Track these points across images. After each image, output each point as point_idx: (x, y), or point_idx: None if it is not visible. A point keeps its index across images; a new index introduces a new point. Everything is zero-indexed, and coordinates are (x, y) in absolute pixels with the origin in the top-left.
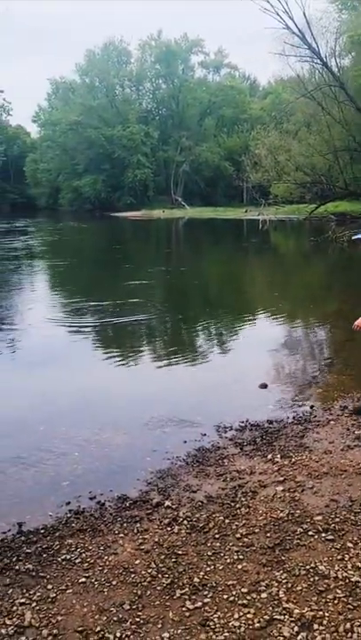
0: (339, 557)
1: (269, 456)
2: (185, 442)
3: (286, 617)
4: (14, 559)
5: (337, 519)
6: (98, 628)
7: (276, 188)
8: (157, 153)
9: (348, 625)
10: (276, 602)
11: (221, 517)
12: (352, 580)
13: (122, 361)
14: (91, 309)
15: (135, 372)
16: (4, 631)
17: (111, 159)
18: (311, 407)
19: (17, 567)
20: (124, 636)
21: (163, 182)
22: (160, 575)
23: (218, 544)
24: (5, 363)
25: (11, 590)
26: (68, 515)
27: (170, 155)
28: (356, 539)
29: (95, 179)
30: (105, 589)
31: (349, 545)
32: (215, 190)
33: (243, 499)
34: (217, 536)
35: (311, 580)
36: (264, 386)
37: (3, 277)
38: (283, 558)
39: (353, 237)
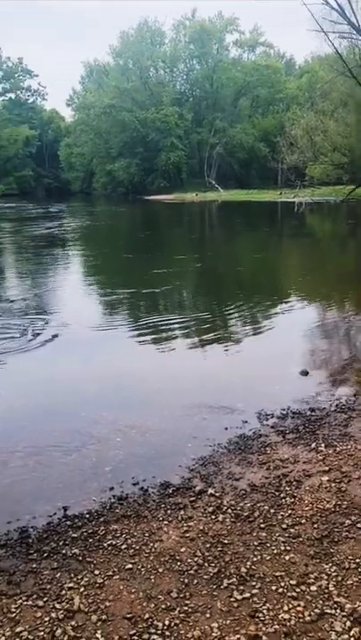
0: None
1: (313, 445)
2: (226, 429)
3: (338, 611)
4: (61, 543)
5: None
6: (146, 616)
7: (312, 170)
8: (191, 135)
9: None
10: (326, 595)
11: (266, 507)
12: None
13: (159, 347)
14: (126, 296)
15: (173, 359)
16: (54, 615)
17: (145, 142)
18: (355, 395)
19: (64, 551)
20: (172, 624)
21: (196, 165)
22: (206, 564)
23: (264, 534)
24: (46, 350)
25: (59, 574)
26: (112, 500)
27: (203, 137)
28: None
29: (129, 162)
30: (152, 576)
31: None
32: (249, 172)
33: (287, 488)
34: (262, 526)
35: None
36: (305, 373)
37: (37, 264)
38: (331, 550)
39: None
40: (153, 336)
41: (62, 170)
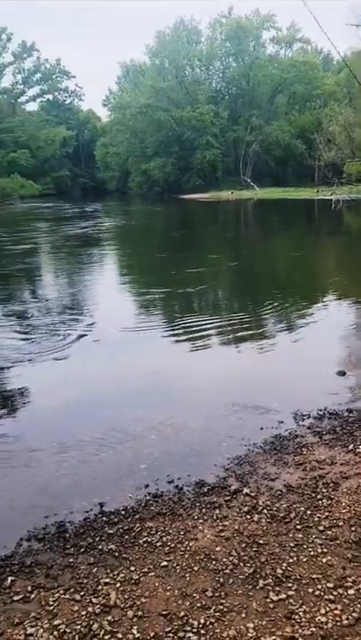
0: None
1: (351, 446)
2: (261, 428)
3: None
4: (97, 539)
5: None
6: (182, 613)
7: (350, 167)
8: (227, 133)
9: None
10: None
11: (302, 508)
12: None
13: (194, 347)
14: (160, 295)
15: (208, 359)
16: (91, 609)
17: (180, 141)
18: None
19: (100, 547)
20: (207, 623)
21: (232, 163)
22: (242, 564)
23: (300, 535)
24: (82, 349)
25: (95, 569)
26: (148, 497)
27: (239, 135)
28: None
29: (164, 161)
30: (187, 575)
31: None
32: (285, 170)
33: (324, 490)
34: (299, 527)
35: None
36: (342, 373)
37: (72, 263)
38: None
39: None
40: (188, 336)
41: (98, 169)
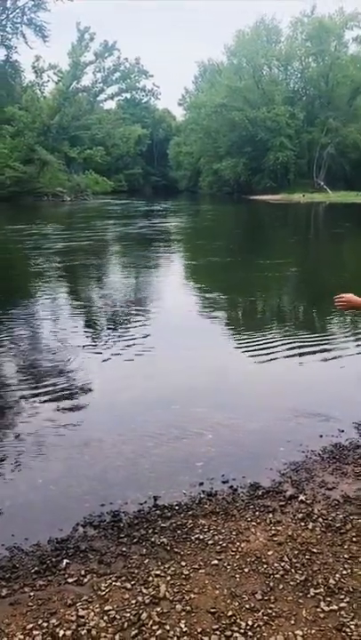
0: None
1: None
2: (321, 436)
3: None
4: (150, 531)
5: None
6: (230, 613)
7: None
8: (301, 135)
9: None
10: None
11: (360, 520)
12: None
13: (256, 352)
14: (218, 300)
15: (271, 364)
16: (140, 599)
17: (253, 141)
18: None
19: (153, 539)
20: (255, 625)
21: (305, 165)
22: (293, 570)
23: (355, 548)
24: (143, 346)
25: (147, 561)
26: (202, 495)
27: (314, 136)
28: None
29: (236, 161)
30: (237, 575)
31: None
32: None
33: None
34: (355, 539)
35: None
36: None
37: (136, 262)
38: None
39: None
40: (248, 342)
41: (170, 168)
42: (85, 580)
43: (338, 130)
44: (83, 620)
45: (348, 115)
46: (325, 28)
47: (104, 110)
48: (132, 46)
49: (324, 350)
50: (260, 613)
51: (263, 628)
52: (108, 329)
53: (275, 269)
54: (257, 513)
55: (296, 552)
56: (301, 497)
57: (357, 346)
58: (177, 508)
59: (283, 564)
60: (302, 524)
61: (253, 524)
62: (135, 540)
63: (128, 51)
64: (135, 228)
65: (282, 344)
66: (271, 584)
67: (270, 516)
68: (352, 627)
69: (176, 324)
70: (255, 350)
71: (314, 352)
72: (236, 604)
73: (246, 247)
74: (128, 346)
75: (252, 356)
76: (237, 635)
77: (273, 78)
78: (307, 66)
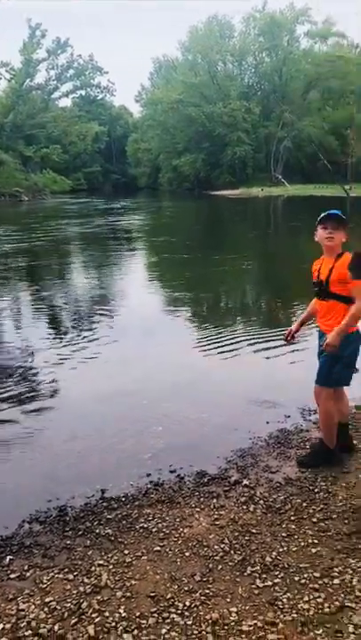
0: None
1: (355, 442)
2: (267, 422)
3: (359, 605)
4: (95, 523)
5: None
6: (168, 596)
7: None
8: (258, 129)
9: None
10: (349, 589)
11: (299, 500)
12: None
13: (209, 343)
14: (179, 294)
15: (222, 355)
16: (82, 589)
17: (211, 137)
18: None
19: (97, 531)
20: (192, 605)
21: (263, 159)
22: (232, 551)
23: (293, 526)
24: (98, 342)
25: (91, 552)
26: (148, 486)
27: (271, 131)
28: None
29: (195, 157)
30: (178, 560)
31: None
32: (317, 167)
33: (322, 483)
34: (293, 518)
35: None
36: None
37: (92, 261)
38: (359, 546)
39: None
40: (204, 334)
41: (129, 165)
42: (28, 574)
43: (293, 124)
44: (23, 612)
45: (302, 108)
46: (277, 23)
47: (59, 108)
48: (90, 41)
49: (277, 342)
50: (197, 594)
51: (200, 607)
52: (63, 328)
53: (233, 264)
54: (201, 499)
55: (236, 534)
56: (245, 481)
57: (307, 337)
58: (123, 499)
59: (223, 545)
60: (244, 507)
61: (197, 509)
62: (80, 533)
63: (80, 49)
64: (91, 227)
65: (236, 338)
66: (210, 565)
67: (214, 501)
68: (284, 600)
69: (133, 321)
70: (209, 345)
71: (266, 344)
72: (176, 586)
73: (205, 243)
74: (82, 344)
75: (206, 350)
76: (174, 615)
77: (228, 73)
78: (261, 61)
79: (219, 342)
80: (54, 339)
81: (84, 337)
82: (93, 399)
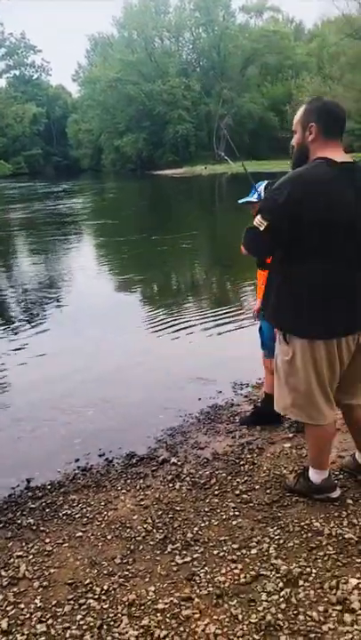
0: (336, 514)
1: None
2: (199, 399)
3: (273, 573)
4: (18, 514)
5: (340, 475)
6: (87, 581)
7: None
8: (199, 107)
9: (333, 582)
10: (265, 558)
11: (224, 474)
12: (345, 536)
13: (146, 325)
14: (125, 276)
15: (166, 335)
16: None
17: (152, 116)
18: None
19: (19, 521)
20: (110, 588)
21: (205, 137)
22: (155, 530)
23: (216, 500)
24: (29, 326)
25: (11, 544)
26: (76, 471)
27: (212, 108)
28: (357, 495)
29: (136, 137)
30: (100, 543)
31: (349, 502)
32: (259, 143)
33: (248, 455)
34: (216, 492)
35: (304, 536)
36: None
37: (29, 246)
38: (279, 515)
39: (239, 202)
40: (145, 316)
41: (71, 147)
42: None
43: (233, 100)
44: None
45: (241, 85)
46: None
47: None
48: (19, 18)
49: (222, 320)
50: (116, 577)
51: (117, 590)
52: None
53: (175, 243)
54: (128, 481)
55: (160, 512)
56: (173, 459)
57: (243, 314)
58: (49, 487)
59: (145, 525)
60: (170, 485)
61: (124, 491)
62: (1, 526)
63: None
64: (29, 212)
65: (180, 318)
66: (132, 547)
67: (141, 481)
68: (201, 574)
69: (75, 306)
70: (152, 326)
71: (211, 323)
72: (95, 571)
73: (148, 223)
74: (20, 331)
75: (149, 331)
76: (91, 601)
77: (165, 50)
78: (198, 37)
79: (163, 323)
80: None
81: (21, 324)
82: (26, 387)
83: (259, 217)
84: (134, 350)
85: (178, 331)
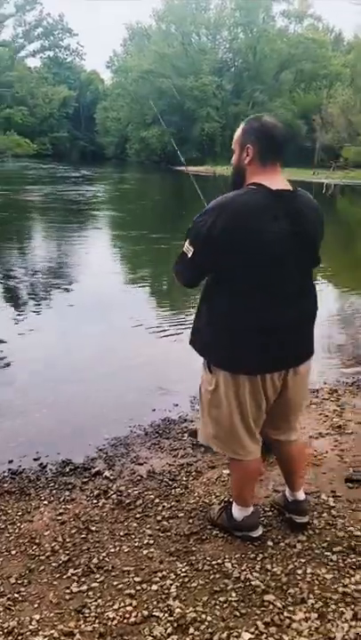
0: (251, 556)
1: None
2: (153, 410)
3: (165, 615)
4: None
5: (270, 512)
6: None
7: (346, 151)
8: (228, 107)
9: (225, 634)
10: (163, 597)
11: (152, 496)
12: (253, 583)
13: (149, 324)
14: (130, 272)
15: (154, 336)
16: None
17: (181, 111)
18: None
19: None
20: None
21: (230, 138)
22: (61, 550)
23: (135, 525)
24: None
25: None
26: (5, 474)
27: (241, 109)
28: (279, 537)
29: (163, 130)
30: (0, 558)
31: (269, 544)
32: (285, 150)
33: (184, 478)
34: (138, 516)
35: (211, 577)
36: None
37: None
38: (193, 549)
39: None
40: (142, 316)
41: (98, 134)
42: None
43: (264, 104)
44: None
45: (274, 89)
46: None
47: (26, 67)
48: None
49: (179, 324)
50: (4, 598)
51: (1, 614)
52: None
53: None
54: (54, 491)
55: (74, 531)
56: (107, 473)
57: None
58: None
59: (54, 544)
60: (95, 501)
61: (46, 502)
62: None
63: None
64: (38, 195)
65: (177, 319)
66: (32, 566)
67: (67, 493)
68: (92, 607)
69: (57, 297)
70: (146, 326)
71: (169, 326)
72: None
73: (152, 220)
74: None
75: (141, 332)
76: None
77: (202, 47)
78: (235, 36)
79: (151, 324)
80: None
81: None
82: None
83: (187, 242)
84: (119, 350)
85: (163, 333)
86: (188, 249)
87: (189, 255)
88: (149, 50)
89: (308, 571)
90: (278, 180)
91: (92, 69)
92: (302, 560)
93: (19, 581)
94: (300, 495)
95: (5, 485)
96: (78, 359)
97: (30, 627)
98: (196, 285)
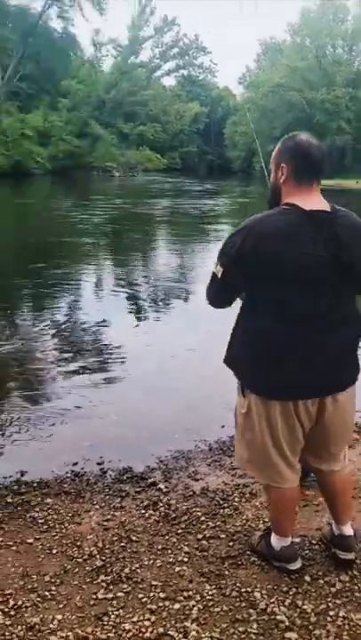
0: (284, 589)
1: None
2: (222, 426)
3: (180, 636)
4: None
5: (316, 546)
6: (8, 591)
7: None
8: None
9: None
10: (183, 617)
11: (200, 513)
12: (277, 618)
13: (190, 335)
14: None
15: (199, 348)
16: None
17: (310, 124)
18: None
19: None
20: (23, 605)
21: None
22: (98, 556)
23: (174, 540)
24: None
25: None
26: (68, 475)
27: None
28: (319, 573)
29: None
30: (42, 555)
31: (306, 578)
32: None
33: (236, 499)
34: (180, 531)
35: (236, 604)
36: None
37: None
38: (226, 573)
39: None
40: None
41: (226, 148)
42: None
43: None
44: None
45: None
46: None
47: (160, 86)
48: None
49: None
50: (35, 594)
51: (29, 609)
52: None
53: None
54: (107, 497)
55: (115, 538)
56: (162, 485)
57: None
58: (35, 485)
59: (93, 548)
60: (143, 511)
61: (97, 507)
62: None
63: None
64: (153, 208)
65: (206, 326)
66: (68, 567)
67: (118, 500)
68: (112, 616)
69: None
70: (190, 334)
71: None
72: (22, 583)
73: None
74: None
75: (189, 341)
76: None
77: (336, 59)
78: None
79: (192, 333)
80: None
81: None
82: (37, 384)
83: (217, 263)
84: (202, 358)
85: (214, 343)
86: (218, 270)
87: (219, 276)
88: (281, 64)
89: (341, 613)
90: (314, 200)
91: (224, 86)
92: (338, 601)
93: (52, 580)
94: (347, 530)
95: (65, 486)
96: (170, 367)
97: (51, 625)
98: (227, 306)
